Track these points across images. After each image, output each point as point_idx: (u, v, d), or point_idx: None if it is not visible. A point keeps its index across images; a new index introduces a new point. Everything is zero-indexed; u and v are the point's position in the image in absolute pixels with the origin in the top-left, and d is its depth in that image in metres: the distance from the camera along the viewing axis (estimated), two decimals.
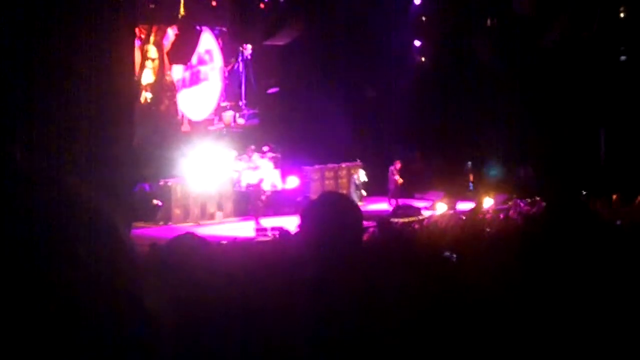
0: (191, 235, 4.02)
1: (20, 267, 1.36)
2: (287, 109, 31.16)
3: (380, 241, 12.55)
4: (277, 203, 27.95)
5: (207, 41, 30.38)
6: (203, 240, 4.03)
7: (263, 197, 27.04)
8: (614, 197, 21.01)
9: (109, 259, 1.45)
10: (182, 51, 28.04)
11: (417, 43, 34.00)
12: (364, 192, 29.79)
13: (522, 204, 22.24)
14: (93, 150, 21.97)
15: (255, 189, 27.05)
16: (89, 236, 1.43)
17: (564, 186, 24.81)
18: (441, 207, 25.90)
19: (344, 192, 27.89)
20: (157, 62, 28.89)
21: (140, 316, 1.51)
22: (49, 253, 1.39)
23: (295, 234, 12.69)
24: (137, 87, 27.81)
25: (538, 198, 23.41)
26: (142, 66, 28.00)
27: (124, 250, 1.48)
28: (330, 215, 3.71)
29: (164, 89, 29.39)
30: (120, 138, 24.83)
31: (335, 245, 3.61)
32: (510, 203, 23.47)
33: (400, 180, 29.66)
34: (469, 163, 31.67)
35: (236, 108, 31.24)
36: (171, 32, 28.63)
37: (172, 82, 29.63)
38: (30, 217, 1.36)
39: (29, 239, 1.35)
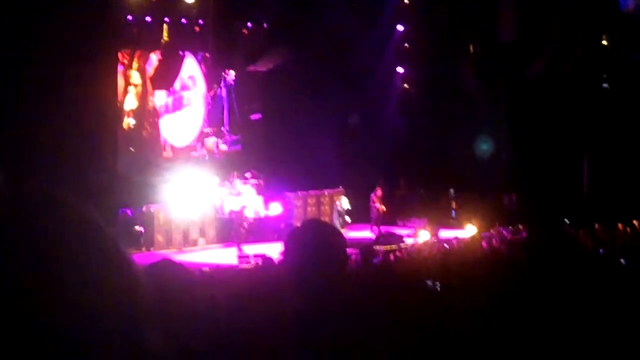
0: (168, 262, 3.96)
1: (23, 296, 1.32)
2: (270, 135, 31.14)
3: (363, 269, 12.51)
4: (260, 230, 27.86)
5: (190, 67, 30.37)
6: (180, 267, 3.97)
7: (245, 224, 26.96)
8: (597, 226, 21.09)
9: (116, 279, 1.40)
10: (165, 77, 28.06)
11: (400, 70, 34.12)
12: (347, 219, 29.71)
13: (505, 232, 22.28)
14: (78, 175, 22.01)
15: (238, 215, 26.97)
16: (96, 256, 1.39)
17: (548, 215, 24.83)
18: (424, 235, 25.88)
19: (327, 219, 27.82)
20: (140, 87, 28.83)
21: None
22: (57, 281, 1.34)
23: (279, 261, 12.65)
24: (120, 113, 27.79)
25: (521, 226, 23.47)
26: (125, 92, 27.99)
27: (128, 266, 1.44)
28: (314, 242, 3.67)
29: (147, 115, 29.32)
30: (103, 163, 24.91)
31: (318, 272, 3.57)
32: (492, 231, 23.47)
33: (383, 208, 29.62)
34: (452, 190, 31.67)
35: (219, 134, 31.18)
36: (154, 58, 28.61)
37: (154, 108, 29.56)
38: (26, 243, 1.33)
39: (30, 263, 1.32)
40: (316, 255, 3.60)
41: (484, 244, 19.39)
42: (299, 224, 4.05)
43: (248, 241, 26.42)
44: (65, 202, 1.41)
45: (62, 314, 1.28)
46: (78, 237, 1.35)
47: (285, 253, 3.71)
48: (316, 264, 3.57)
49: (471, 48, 31.99)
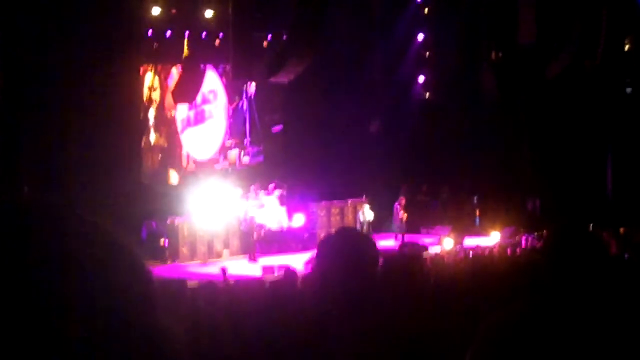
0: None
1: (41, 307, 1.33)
2: (292, 145, 31.15)
3: (388, 276, 12.47)
4: (284, 240, 27.86)
5: (211, 80, 30.45)
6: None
7: (255, 234, 26.93)
8: (622, 230, 20.96)
9: (133, 292, 1.40)
10: (187, 90, 28.14)
11: (421, 78, 34.11)
12: (370, 229, 29.64)
13: (530, 238, 22.20)
14: (103, 185, 22.15)
15: (248, 225, 26.95)
16: (114, 271, 1.39)
17: (571, 219, 24.68)
18: (448, 243, 25.82)
19: None
20: (161, 101, 28.99)
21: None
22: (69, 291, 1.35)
23: (305, 271, 12.63)
24: (143, 125, 27.96)
25: (546, 231, 23.35)
26: (148, 105, 28.14)
27: (148, 283, 1.44)
28: (346, 250, 3.66)
29: (168, 129, 29.45)
30: (128, 174, 25.07)
31: (348, 279, 3.57)
32: (517, 237, 23.39)
33: (405, 215, 29.57)
34: (476, 197, 31.58)
35: (241, 146, 31.25)
36: (175, 72, 28.72)
37: (174, 122, 29.68)
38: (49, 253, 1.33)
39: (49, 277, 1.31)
40: (347, 262, 3.59)
41: (508, 250, 19.34)
42: (332, 232, 4.05)
43: (271, 252, 26.46)
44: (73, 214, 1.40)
45: (71, 328, 1.27)
46: (95, 250, 1.34)
47: (316, 260, 3.71)
48: (347, 272, 3.57)
49: (493, 55, 31.88)
